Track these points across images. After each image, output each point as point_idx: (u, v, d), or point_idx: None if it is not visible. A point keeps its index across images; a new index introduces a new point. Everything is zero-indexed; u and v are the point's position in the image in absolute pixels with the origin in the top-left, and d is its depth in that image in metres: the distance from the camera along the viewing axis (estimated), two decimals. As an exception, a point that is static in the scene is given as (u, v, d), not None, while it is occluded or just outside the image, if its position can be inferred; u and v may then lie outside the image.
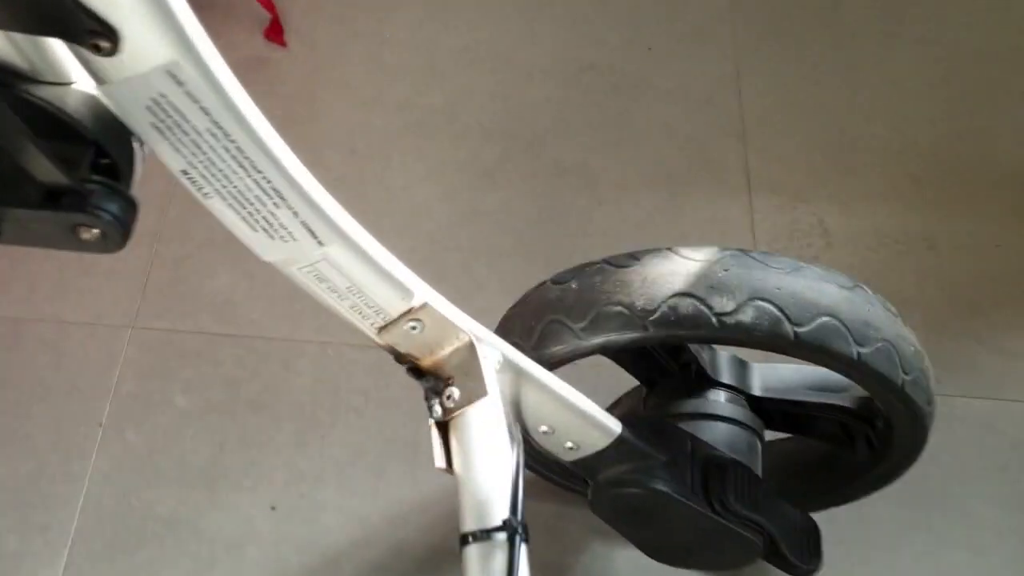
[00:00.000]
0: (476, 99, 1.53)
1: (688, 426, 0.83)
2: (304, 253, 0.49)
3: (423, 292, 0.55)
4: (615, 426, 0.71)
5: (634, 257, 0.74)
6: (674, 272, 0.71)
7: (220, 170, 0.43)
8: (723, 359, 0.89)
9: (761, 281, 0.70)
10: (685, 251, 0.73)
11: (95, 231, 0.42)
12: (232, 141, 0.41)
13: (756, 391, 0.89)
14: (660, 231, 1.39)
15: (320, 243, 0.48)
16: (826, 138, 1.49)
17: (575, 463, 0.74)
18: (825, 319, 0.69)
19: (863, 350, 0.71)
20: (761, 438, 0.87)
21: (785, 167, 1.45)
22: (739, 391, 0.88)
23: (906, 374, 0.74)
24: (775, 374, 0.90)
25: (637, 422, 0.76)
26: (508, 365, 0.61)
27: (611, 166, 1.45)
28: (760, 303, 0.69)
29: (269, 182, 0.44)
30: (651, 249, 0.74)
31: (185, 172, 0.43)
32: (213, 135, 0.40)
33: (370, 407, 1.22)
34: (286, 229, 0.47)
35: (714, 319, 0.68)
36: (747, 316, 0.69)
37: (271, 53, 1.57)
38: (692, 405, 0.85)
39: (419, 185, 1.43)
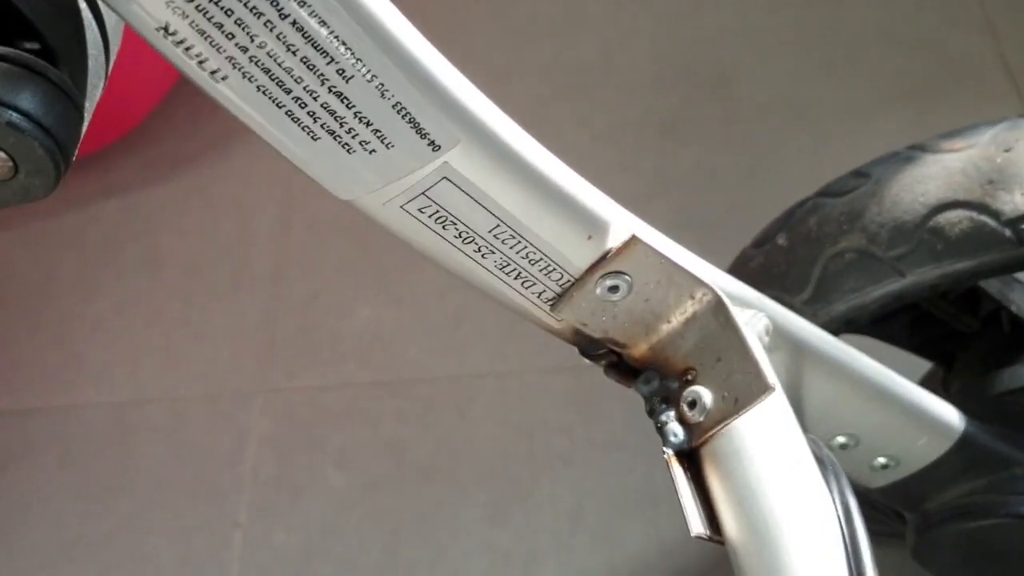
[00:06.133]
0: (637, 42, 1.43)
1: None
2: (408, 171, 0.34)
3: (626, 222, 0.39)
4: (956, 420, 0.59)
5: (861, 174, 0.64)
6: (926, 177, 0.60)
7: (236, 15, 0.29)
8: (1046, 292, 0.74)
9: None
10: (934, 143, 0.62)
11: None
12: None
13: None
14: (914, 160, 1.23)
15: (436, 146, 0.33)
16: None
17: (889, 489, 0.61)
18: None
19: None
20: None
21: (1060, 53, 1.32)
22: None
23: None
24: None
25: (975, 412, 0.63)
26: (780, 338, 0.47)
27: (828, 92, 1.34)
28: None
29: (326, 26, 0.30)
30: (883, 157, 0.64)
31: (166, 29, 0.29)
32: None
33: (580, 450, 1.10)
34: (370, 125, 0.32)
35: (1006, 230, 0.57)
36: None
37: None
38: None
39: (585, 159, 1.36)
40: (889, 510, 0.69)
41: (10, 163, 0.28)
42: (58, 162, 0.28)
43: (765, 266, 0.66)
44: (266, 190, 1.32)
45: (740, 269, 0.68)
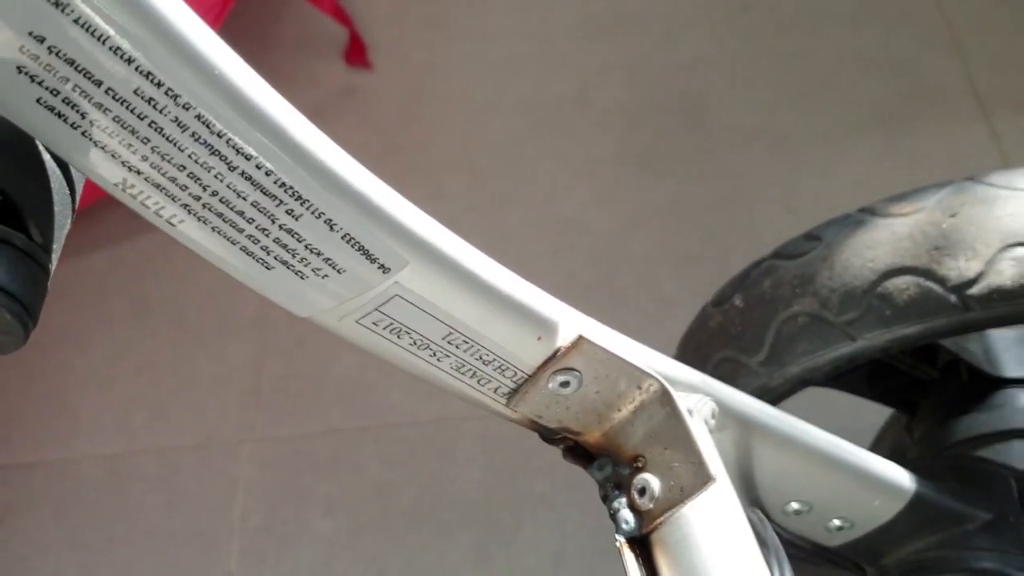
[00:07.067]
0: (612, 77, 1.43)
1: (992, 455, 0.68)
2: (360, 292, 0.36)
3: (573, 321, 0.41)
4: (907, 481, 0.60)
5: (813, 237, 0.64)
6: (875, 242, 0.61)
7: (188, 170, 0.30)
8: (998, 342, 0.74)
9: (1014, 217, 0.57)
10: (883, 206, 0.62)
11: None
12: (187, 107, 0.28)
13: None
14: (887, 186, 1.31)
15: (386, 268, 0.35)
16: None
17: (846, 547, 0.61)
18: None
19: None
20: None
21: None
22: (1047, 384, 0.72)
23: None
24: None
25: (929, 467, 0.65)
26: (727, 417, 0.48)
27: (804, 119, 1.34)
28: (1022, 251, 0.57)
29: (272, 174, 0.31)
30: (834, 220, 0.64)
31: (124, 184, 0.30)
32: (153, 101, 0.28)
33: (561, 492, 1.09)
34: (321, 255, 0.34)
35: (952, 296, 0.57)
36: (1005, 277, 0.56)
37: (357, 79, 1.47)
38: (986, 422, 0.70)
39: (565, 193, 1.32)
40: (848, 562, 0.69)
41: None
42: (26, 323, 0.29)
43: (723, 326, 0.67)
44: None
45: (701, 328, 0.69)
